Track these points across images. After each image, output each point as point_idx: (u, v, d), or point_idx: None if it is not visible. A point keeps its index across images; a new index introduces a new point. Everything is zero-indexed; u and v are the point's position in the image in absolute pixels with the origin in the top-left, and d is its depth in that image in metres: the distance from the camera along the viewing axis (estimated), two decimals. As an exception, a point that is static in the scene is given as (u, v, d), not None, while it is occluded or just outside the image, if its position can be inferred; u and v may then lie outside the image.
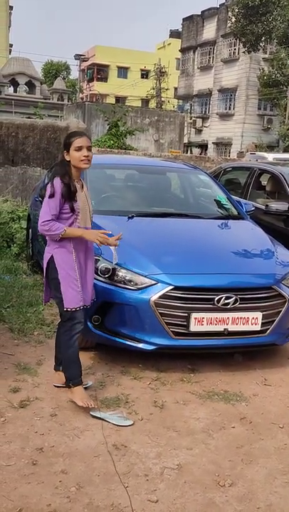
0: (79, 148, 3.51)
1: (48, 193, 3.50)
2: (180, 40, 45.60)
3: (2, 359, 4.25)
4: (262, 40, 26.10)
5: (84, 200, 3.62)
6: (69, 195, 3.49)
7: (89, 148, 3.56)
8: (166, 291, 4.01)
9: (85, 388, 3.75)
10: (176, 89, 47.21)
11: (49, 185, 3.53)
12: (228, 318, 4.08)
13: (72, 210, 3.53)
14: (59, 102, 33.03)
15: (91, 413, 3.51)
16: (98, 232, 3.60)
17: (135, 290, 4.05)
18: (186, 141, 36.87)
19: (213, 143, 39.51)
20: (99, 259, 4.23)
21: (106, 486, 2.79)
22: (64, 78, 51.24)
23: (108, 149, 13.40)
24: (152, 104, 49.68)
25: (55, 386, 3.84)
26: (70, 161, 3.56)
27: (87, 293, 3.68)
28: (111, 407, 3.61)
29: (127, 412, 3.57)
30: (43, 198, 3.62)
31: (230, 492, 2.82)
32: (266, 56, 35.08)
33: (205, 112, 41.40)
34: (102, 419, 3.43)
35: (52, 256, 3.55)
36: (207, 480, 2.91)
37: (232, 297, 4.07)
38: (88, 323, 4.17)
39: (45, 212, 3.46)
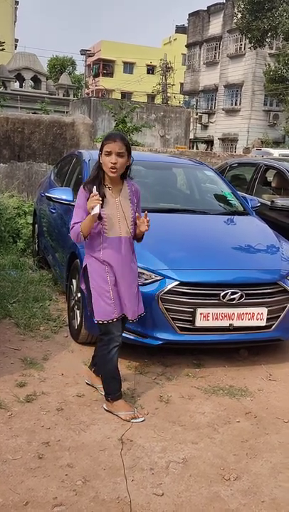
0: (108, 154, 3.29)
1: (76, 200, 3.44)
2: (186, 35, 45.45)
3: (8, 354, 4.28)
4: (268, 36, 25.91)
5: (116, 207, 3.39)
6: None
7: (119, 155, 3.29)
8: (172, 287, 4.02)
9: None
10: (182, 84, 47.10)
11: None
12: (233, 313, 4.10)
13: (99, 217, 3.29)
14: (65, 98, 32.97)
15: (104, 407, 3.53)
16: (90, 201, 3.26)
17: (141, 285, 4.05)
18: (192, 136, 36.78)
19: (219, 139, 39.41)
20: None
21: (112, 480, 2.81)
22: (70, 73, 51.15)
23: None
24: (158, 99, 49.57)
25: (87, 383, 3.84)
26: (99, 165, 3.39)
27: (126, 303, 3.45)
28: (117, 401, 3.62)
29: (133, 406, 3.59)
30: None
31: (235, 486, 2.84)
32: (272, 52, 34.93)
33: (211, 107, 41.28)
34: (115, 414, 3.45)
35: (86, 266, 3.46)
36: (212, 474, 2.93)
37: (237, 293, 4.08)
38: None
39: (72, 220, 3.41)
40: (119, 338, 3.48)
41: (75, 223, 3.38)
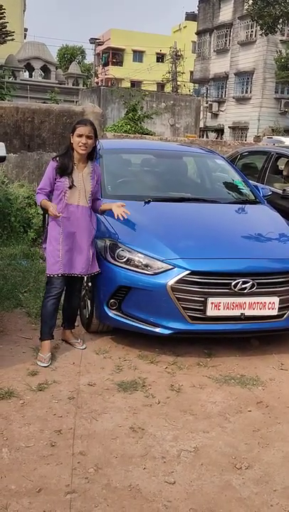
0: (79, 136, 3.97)
1: None
2: (196, 22, 44.98)
3: (20, 343, 4.31)
4: (279, 22, 25.51)
5: (79, 180, 4.03)
6: (62, 171, 3.98)
7: (89, 137, 3.98)
8: (183, 276, 4.01)
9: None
10: (192, 72, 46.71)
11: None
12: (244, 302, 4.08)
13: (65, 184, 4.00)
14: (74, 87, 32.88)
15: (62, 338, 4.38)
16: (52, 207, 3.93)
17: (152, 275, 4.06)
18: (202, 125, 36.53)
19: (229, 127, 39.12)
20: (116, 244, 4.25)
21: (124, 468, 2.83)
22: (79, 62, 50.98)
23: (124, 134, 13.35)
24: (168, 88, 49.20)
25: (62, 340, 4.43)
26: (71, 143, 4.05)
27: (78, 261, 4.07)
28: (128, 390, 3.64)
29: (144, 395, 3.60)
30: None
31: (247, 474, 2.84)
32: (284, 38, 34.50)
33: (221, 95, 40.93)
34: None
35: (47, 228, 4.11)
36: (224, 462, 2.93)
37: (249, 282, 4.06)
38: (105, 308, 4.20)
39: (39, 185, 4.07)
40: (57, 291, 4.09)
41: (40, 189, 4.04)
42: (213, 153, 6.66)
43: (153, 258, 4.12)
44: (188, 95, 33.08)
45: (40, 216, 7.51)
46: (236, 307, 4.07)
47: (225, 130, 39.60)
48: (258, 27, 27.31)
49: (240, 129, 38.21)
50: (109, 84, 44.45)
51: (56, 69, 35.42)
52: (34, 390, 3.57)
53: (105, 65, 60.17)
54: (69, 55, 59.32)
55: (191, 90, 45.14)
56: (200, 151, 6.77)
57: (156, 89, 44.61)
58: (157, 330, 4.13)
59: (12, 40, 24.92)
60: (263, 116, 36.16)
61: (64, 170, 3.99)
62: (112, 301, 4.19)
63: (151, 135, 14.68)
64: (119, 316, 4.20)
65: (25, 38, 44.82)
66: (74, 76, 34.88)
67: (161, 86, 51.69)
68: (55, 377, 3.77)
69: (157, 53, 58.22)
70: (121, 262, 4.16)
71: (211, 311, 4.02)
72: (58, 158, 4.04)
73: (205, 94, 41.26)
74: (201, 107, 32.37)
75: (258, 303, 4.12)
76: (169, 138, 14.32)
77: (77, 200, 4.03)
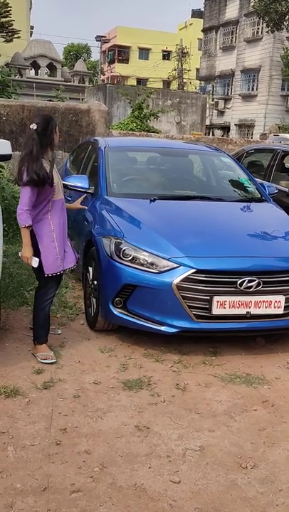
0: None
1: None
2: (202, 20, 44.84)
3: (26, 341, 4.31)
4: (286, 19, 25.42)
5: (56, 175, 3.93)
6: (47, 182, 3.78)
7: None
8: (189, 275, 4.00)
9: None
10: (198, 70, 46.61)
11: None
12: (250, 301, 4.07)
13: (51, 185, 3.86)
14: (80, 85, 32.84)
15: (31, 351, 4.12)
16: (28, 256, 3.84)
17: (157, 273, 4.05)
18: (208, 123, 36.45)
19: (235, 125, 39.00)
20: (121, 242, 4.24)
21: (129, 467, 2.82)
22: (85, 60, 50.95)
23: (130, 132, 13.34)
24: (174, 85, 49.17)
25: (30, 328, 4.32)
26: (52, 140, 3.90)
27: (67, 257, 4.05)
28: (133, 389, 3.64)
29: (150, 394, 3.59)
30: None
31: (253, 474, 2.84)
32: (290, 35, 34.37)
33: (227, 93, 40.80)
34: (34, 355, 4.01)
35: (32, 229, 3.86)
36: (229, 462, 2.93)
37: (255, 280, 4.05)
38: (110, 306, 4.19)
39: (23, 203, 3.79)
40: (55, 291, 4.09)
41: (27, 209, 3.77)
42: (219, 151, 6.63)
43: (158, 256, 4.11)
44: (194, 93, 33.00)
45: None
46: (242, 306, 4.06)
47: (231, 128, 39.49)
48: (264, 24, 27.21)
49: (246, 127, 38.09)
50: (115, 81, 44.43)
51: (62, 67, 35.38)
52: (39, 388, 3.57)
53: (111, 62, 60.17)
54: (75, 53, 59.36)
55: (197, 88, 45.03)
56: (206, 149, 6.75)
57: (162, 87, 44.54)
58: (162, 328, 4.12)
59: (18, 38, 24.95)
60: (269, 114, 36.04)
61: (50, 179, 3.80)
62: (117, 299, 4.19)
63: (157, 133, 14.65)
64: (124, 314, 4.20)
65: (31, 36, 44.76)
66: (80, 74, 34.82)
67: (167, 83, 51.67)
68: (61, 375, 3.78)
69: (163, 51, 58.16)
70: (126, 261, 4.16)
71: (216, 310, 4.01)
72: (34, 175, 3.69)
73: (211, 92, 41.14)
74: (207, 105, 32.31)
75: (263, 301, 4.10)
76: (174, 136, 14.27)
77: (61, 195, 4.01)
